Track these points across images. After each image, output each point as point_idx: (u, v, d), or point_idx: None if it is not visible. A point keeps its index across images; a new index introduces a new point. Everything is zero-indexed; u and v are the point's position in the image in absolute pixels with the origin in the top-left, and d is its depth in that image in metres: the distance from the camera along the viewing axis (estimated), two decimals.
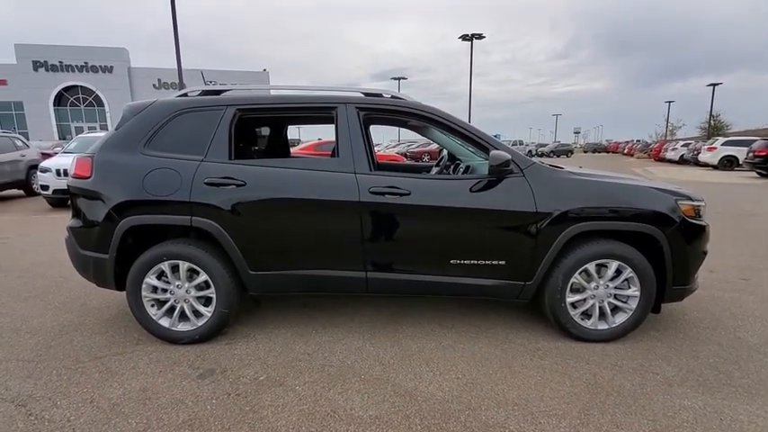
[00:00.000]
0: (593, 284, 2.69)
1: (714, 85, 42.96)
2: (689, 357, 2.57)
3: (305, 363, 2.52)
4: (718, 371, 2.41)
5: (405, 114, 2.86)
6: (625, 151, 43.85)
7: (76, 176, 2.74)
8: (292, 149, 7.54)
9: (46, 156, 11.32)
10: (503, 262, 2.65)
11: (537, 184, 2.62)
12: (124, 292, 2.73)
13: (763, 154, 14.34)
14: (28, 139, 14.17)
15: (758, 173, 15.11)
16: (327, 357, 2.58)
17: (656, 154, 29.13)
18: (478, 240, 2.64)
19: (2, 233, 6.31)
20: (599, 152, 58.31)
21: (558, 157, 38.86)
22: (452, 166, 3.74)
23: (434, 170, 4.06)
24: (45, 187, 8.54)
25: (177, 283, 2.69)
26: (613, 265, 2.64)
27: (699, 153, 20.83)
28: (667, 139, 43.04)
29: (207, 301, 2.73)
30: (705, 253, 2.81)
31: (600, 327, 2.72)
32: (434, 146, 23.48)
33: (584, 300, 2.72)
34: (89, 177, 2.68)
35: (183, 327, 2.72)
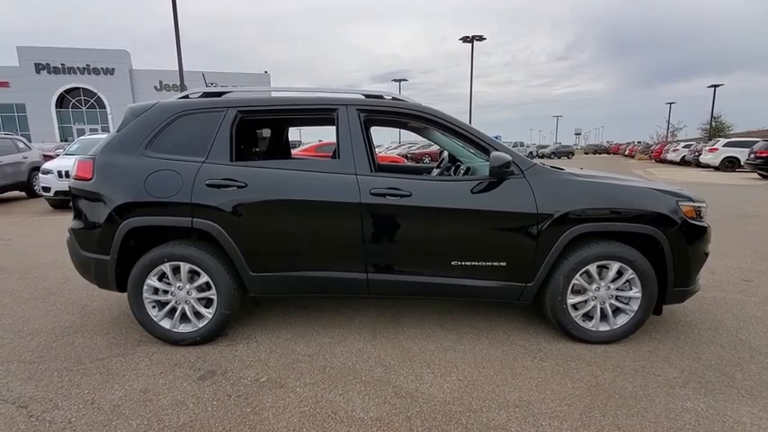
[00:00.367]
0: (594, 286, 2.69)
1: (715, 86, 42.95)
2: (691, 359, 2.56)
3: (306, 364, 2.51)
4: (721, 373, 2.41)
5: (405, 116, 2.86)
6: (626, 152, 43.83)
7: (78, 178, 2.75)
8: (293, 151, 7.55)
9: (48, 158, 11.36)
10: (504, 263, 2.65)
11: (538, 186, 2.62)
12: (125, 294, 2.74)
13: (765, 155, 14.30)
14: (30, 141, 14.22)
15: (760, 174, 15.08)
16: (328, 359, 2.58)
17: (657, 155, 29.11)
18: (479, 242, 2.64)
19: (3, 235, 6.32)
20: (600, 153, 58.28)
21: (559, 158, 38.84)
22: (453, 168, 3.74)
23: (435, 172, 4.06)
24: (47, 189, 8.56)
25: (178, 285, 2.69)
26: (614, 266, 2.63)
27: (700, 154, 20.80)
28: (668, 140, 43.00)
29: (208, 303, 2.73)
30: (707, 254, 2.80)
31: (601, 328, 2.72)
32: (435, 147, 23.51)
33: (586, 301, 2.71)
34: (91, 179, 2.69)
35: (183, 328, 2.72)
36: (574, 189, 2.64)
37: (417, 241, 2.66)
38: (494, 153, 2.56)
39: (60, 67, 33.71)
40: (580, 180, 2.70)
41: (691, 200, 2.74)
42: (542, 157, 38.34)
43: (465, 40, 29.47)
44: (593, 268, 2.64)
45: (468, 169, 3.35)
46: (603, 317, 2.73)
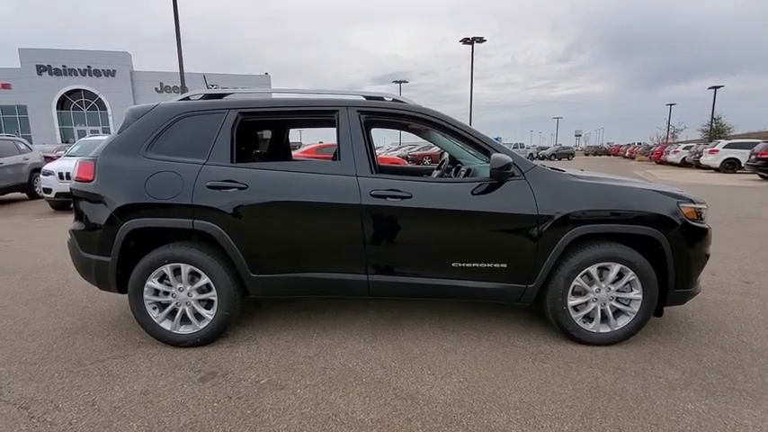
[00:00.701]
0: (594, 287, 2.68)
1: (716, 87, 42.96)
2: (692, 361, 2.56)
3: (306, 366, 2.51)
4: (722, 374, 2.40)
5: (406, 117, 2.86)
6: (626, 154, 43.84)
7: (79, 180, 2.75)
8: (294, 153, 7.56)
9: (49, 159, 11.39)
10: (504, 265, 2.65)
11: (538, 187, 2.62)
12: (126, 295, 2.74)
13: (766, 156, 14.30)
14: (31, 143, 14.24)
15: (760, 175, 15.08)
16: (329, 360, 2.58)
17: (657, 157, 29.10)
18: (480, 243, 2.64)
19: (4, 236, 6.33)
20: (600, 155, 58.28)
21: (560, 159, 38.86)
22: (454, 170, 3.74)
23: (436, 173, 4.06)
24: (48, 190, 8.58)
25: (179, 286, 2.69)
26: (615, 267, 2.63)
27: (700, 156, 20.79)
28: (669, 141, 42.99)
29: (208, 304, 2.73)
30: (707, 256, 2.80)
31: (602, 330, 2.71)
32: (436, 149, 23.51)
33: (586, 303, 2.71)
34: (92, 181, 2.69)
35: (184, 330, 2.72)
36: (574, 190, 2.64)
37: (418, 243, 2.66)
38: (494, 155, 2.56)
39: (62, 68, 33.81)
40: (581, 182, 2.70)
41: (691, 201, 2.74)
42: (543, 158, 38.37)
43: (465, 41, 29.51)
44: (593, 270, 2.64)
45: (468, 171, 3.35)
46: (604, 318, 2.73)
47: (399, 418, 2.03)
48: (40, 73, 33.46)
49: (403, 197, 2.60)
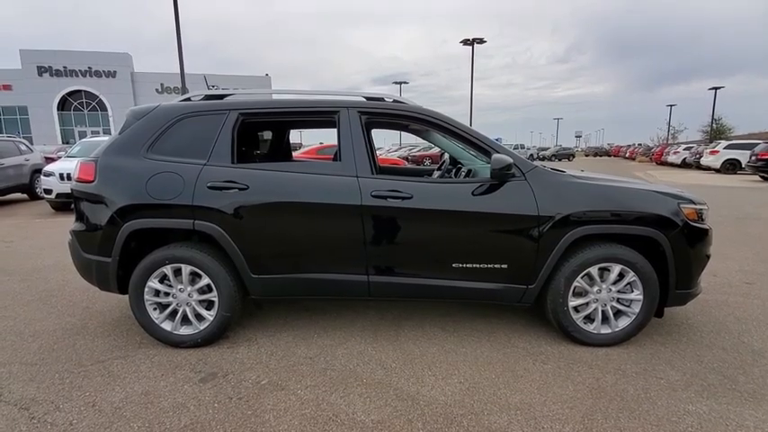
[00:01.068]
0: (595, 288, 2.68)
1: (716, 88, 42.94)
2: (693, 362, 2.55)
3: (307, 366, 2.51)
4: (723, 376, 2.40)
5: (406, 118, 2.86)
6: (627, 155, 43.83)
7: (80, 180, 2.75)
8: (294, 153, 7.56)
9: (49, 160, 11.40)
10: (505, 265, 2.65)
11: (539, 188, 2.62)
12: (126, 296, 2.74)
13: (766, 157, 14.30)
14: (32, 144, 14.26)
15: (761, 176, 15.07)
16: (329, 361, 2.58)
17: (657, 157, 29.10)
18: (480, 244, 2.64)
19: (5, 237, 6.33)
20: (600, 156, 58.27)
21: (560, 160, 38.85)
22: (454, 170, 3.74)
23: (436, 174, 4.06)
24: (48, 191, 8.58)
25: (179, 287, 2.69)
26: (616, 268, 2.63)
27: (701, 156, 20.79)
28: (669, 142, 42.99)
29: (209, 305, 2.73)
30: (708, 256, 2.80)
31: (603, 331, 2.71)
32: (436, 150, 23.51)
33: (587, 303, 2.71)
34: (93, 181, 2.70)
35: (185, 330, 2.72)
36: (575, 191, 2.64)
37: (418, 243, 2.66)
38: (495, 155, 2.56)
39: (62, 69, 33.85)
40: (581, 182, 2.70)
41: (692, 202, 2.73)
42: (543, 159, 38.36)
43: (465, 42, 29.52)
44: (594, 270, 2.64)
45: (469, 171, 3.35)
46: (605, 319, 2.73)
47: (400, 419, 2.03)
48: (40, 74, 33.50)
49: (403, 198, 2.60)
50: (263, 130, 4.00)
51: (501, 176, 2.59)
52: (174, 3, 14.63)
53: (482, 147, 2.76)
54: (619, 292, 2.69)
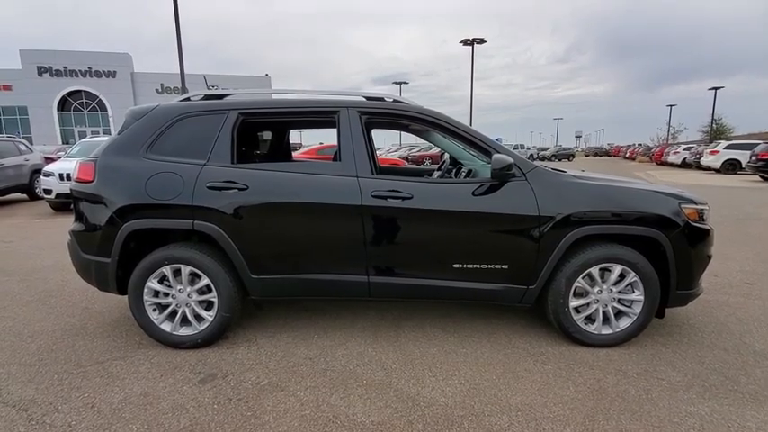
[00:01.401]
0: (596, 289, 2.67)
1: (716, 88, 42.93)
2: (694, 363, 2.54)
3: (307, 367, 2.50)
4: (725, 376, 2.39)
5: (406, 118, 2.85)
6: (627, 155, 43.82)
7: (79, 180, 2.74)
8: (294, 154, 7.55)
9: (49, 160, 11.39)
10: (505, 266, 2.64)
11: (539, 188, 2.61)
12: (126, 296, 2.73)
13: (766, 157, 14.29)
14: (31, 144, 14.25)
15: (761, 176, 15.05)
16: (329, 362, 2.57)
17: (657, 158, 29.09)
18: (481, 244, 2.63)
19: (5, 237, 6.32)
20: (600, 156, 58.27)
21: (560, 160, 38.84)
22: (454, 170, 3.74)
23: (436, 174, 4.06)
24: (48, 191, 8.58)
25: (179, 287, 2.68)
26: (617, 269, 2.62)
27: (701, 157, 20.78)
28: (669, 142, 42.99)
29: (208, 306, 2.72)
30: (709, 257, 2.79)
31: (604, 331, 2.70)
32: (436, 150, 23.50)
33: (588, 304, 2.70)
34: (92, 181, 2.69)
35: (184, 331, 2.71)
36: (576, 191, 2.63)
37: (419, 244, 2.65)
38: (495, 155, 2.55)
39: (62, 69, 33.85)
40: (582, 182, 2.69)
41: (693, 202, 2.73)
42: (543, 159, 38.35)
43: (465, 42, 29.52)
44: (595, 271, 2.63)
45: (469, 172, 3.35)
46: (606, 320, 2.72)
47: (400, 421, 2.02)
48: (40, 74, 33.50)
49: (404, 198, 2.59)
50: (262, 131, 3.99)
51: (501, 176, 2.58)
52: (174, 3, 14.62)
53: (482, 147, 2.75)
54: (620, 292, 2.68)
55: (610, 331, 2.70)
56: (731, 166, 18.58)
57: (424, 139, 3.99)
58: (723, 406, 2.12)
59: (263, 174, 2.67)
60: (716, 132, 41.45)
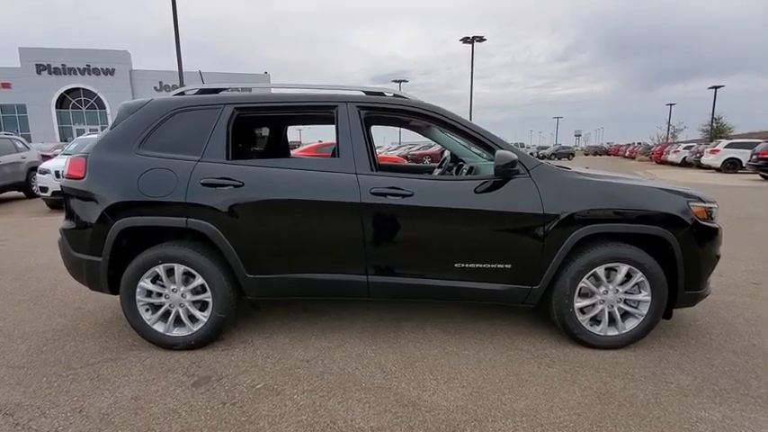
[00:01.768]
0: (602, 289, 2.60)
1: (716, 87, 42.86)
2: (703, 365, 2.47)
3: (304, 370, 2.42)
4: (735, 380, 2.31)
5: (407, 113, 2.77)
6: (626, 154, 43.74)
7: (70, 177, 2.66)
8: (293, 152, 7.47)
9: (46, 158, 11.29)
10: (509, 266, 2.56)
11: (544, 185, 2.53)
12: (118, 296, 2.65)
13: (767, 157, 14.21)
14: (30, 142, 14.14)
15: (762, 175, 14.99)
16: (327, 364, 2.49)
17: (657, 156, 29.00)
18: (484, 243, 2.55)
19: (0, 235, 6.25)
20: (600, 155, 58.19)
21: (560, 159, 38.77)
22: (455, 168, 3.65)
23: (437, 172, 3.97)
24: (44, 189, 8.49)
25: (172, 287, 2.60)
26: (623, 269, 2.54)
27: (701, 155, 20.71)
28: (669, 141, 42.92)
29: (203, 306, 2.64)
30: (718, 257, 2.72)
31: (609, 333, 2.63)
32: (436, 148, 23.40)
33: (593, 305, 2.62)
34: (83, 178, 2.61)
35: (177, 332, 2.63)
36: (582, 189, 2.56)
37: (419, 243, 2.57)
38: (499, 151, 2.47)
39: (61, 67, 33.70)
40: (588, 180, 2.61)
41: (701, 200, 2.65)
42: (543, 158, 38.21)
43: (465, 40, 29.41)
44: (601, 271, 2.56)
45: (471, 169, 3.27)
46: (612, 321, 2.64)
47: (401, 426, 1.94)
48: (39, 72, 33.35)
49: (404, 195, 2.51)
50: (259, 127, 3.91)
51: (505, 173, 2.50)
52: (173, 1, 14.51)
53: (486, 143, 2.67)
54: (626, 293, 2.61)
55: (616, 333, 2.63)
56: (732, 165, 18.50)
57: (425, 135, 3.90)
58: (735, 411, 2.04)
59: (259, 170, 2.59)
60: (716, 131, 41.39)
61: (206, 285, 2.58)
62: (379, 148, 26.14)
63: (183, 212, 2.51)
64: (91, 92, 34.79)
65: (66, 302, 3.49)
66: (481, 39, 29.30)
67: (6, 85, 33.82)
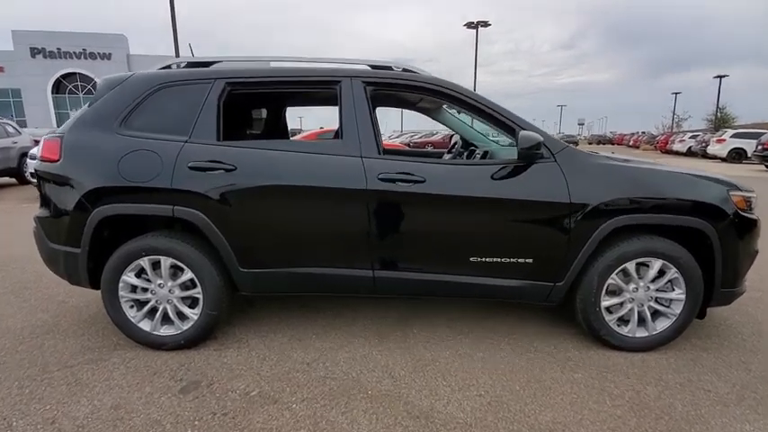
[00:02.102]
0: (631, 286, 2.36)
1: (721, 77, 42.25)
2: (740, 370, 2.25)
3: (303, 374, 2.20)
4: None
5: (418, 90, 2.49)
6: (630, 143, 43.30)
7: (44, 159, 2.41)
8: (293, 138, 7.16)
9: (39, 143, 10.98)
10: (530, 260, 2.32)
11: (571, 171, 2.27)
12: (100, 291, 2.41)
13: None
14: (26, 127, 13.79)
15: (767, 166, 14.75)
16: (329, 367, 2.26)
17: (662, 146, 28.64)
18: (503, 236, 2.31)
19: None
20: (604, 144, 57.67)
21: None
22: (467, 153, 3.39)
23: (447, 157, 3.71)
24: (35, 174, 8.21)
25: (159, 282, 2.36)
26: (656, 264, 2.30)
27: (707, 145, 20.40)
28: (673, 131, 42.44)
29: (193, 302, 2.41)
30: (757, 251, 2.48)
31: (639, 334, 2.40)
32: (438, 136, 23.04)
33: (622, 303, 2.39)
34: (58, 161, 2.35)
35: (165, 330, 2.41)
36: (613, 175, 2.30)
37: (431, 234, 2.33)
38: (522, 132, 2.21)
39: (56, 51, 33.01)
40: (620, 165, 2.36)
41: (739, 189, 2.40)
42: None
43: (469, 25, 28.78)
44: (631, 266, 2.32)
45: (485, 153, 3.01)
46: (641, 321, 2.41)
47: None
48: (33, 56, 32.67)
49: (415, 182, 2.26)
50: (256, 107, 3.63)
51: (529, 157, 2.24)
52: None
53: (507, 123, 2.39)
54: (658, 290, 2.37)
55: (645, 334, 2.40)
56: (737, 155, 18.20)
57: (433, 118, 3.62)
58: None
59: (253, 153, 2.33)
60: (720, 121, 40.90)
61: (195, 280, 2.34)
62: None
63: (170, 200, 2.26)
64: (87, 77, 34.13)
65: (50, 296, 3.26)
66: (486, 24, 28.67)
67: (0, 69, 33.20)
